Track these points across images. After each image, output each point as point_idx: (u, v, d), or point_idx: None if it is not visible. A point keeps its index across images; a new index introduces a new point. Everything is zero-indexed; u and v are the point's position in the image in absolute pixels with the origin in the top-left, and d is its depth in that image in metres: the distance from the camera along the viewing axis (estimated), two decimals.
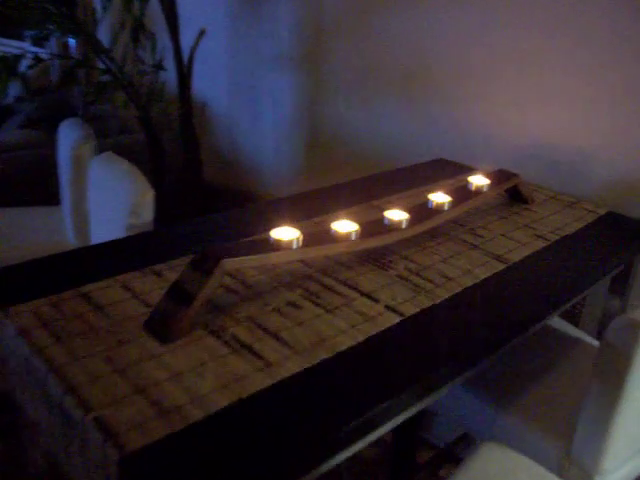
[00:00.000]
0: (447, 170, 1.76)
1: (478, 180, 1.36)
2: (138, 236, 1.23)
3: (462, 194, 1.31)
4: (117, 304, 0.93)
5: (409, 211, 1.19)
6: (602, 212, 1.48)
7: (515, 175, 1.44)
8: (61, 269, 1.06)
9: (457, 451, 1.27)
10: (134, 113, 2.08)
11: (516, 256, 1.21)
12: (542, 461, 1.10)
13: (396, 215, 1.17)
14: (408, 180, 1.64)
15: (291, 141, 2.39)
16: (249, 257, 0.91)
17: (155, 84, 2.03)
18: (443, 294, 1.04)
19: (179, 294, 0.86)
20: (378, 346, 0.89)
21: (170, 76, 2.17)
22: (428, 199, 1.26)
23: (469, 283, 1.08)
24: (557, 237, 1.31)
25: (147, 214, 1.33)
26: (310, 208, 1.40)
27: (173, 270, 1.05)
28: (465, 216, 1.36)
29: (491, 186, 1.35)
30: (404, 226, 1.15)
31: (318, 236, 1.04)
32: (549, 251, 1.24)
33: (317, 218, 1.33)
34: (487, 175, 1.40)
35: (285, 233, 0.98)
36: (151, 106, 2.01)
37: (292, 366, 0.82)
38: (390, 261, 1.14)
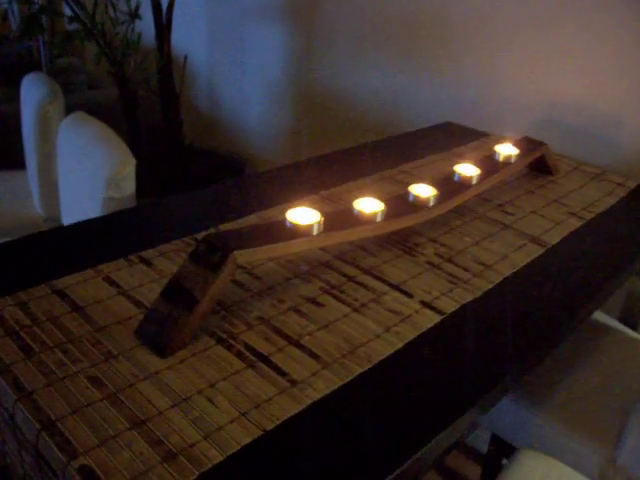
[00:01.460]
0: (457, 135, 1.60)
1: (506, 150, 1.21)
2: (120, 214, 1.05)
3: (489, 165, 1.16)
4: (101, 303, 0.76)
5: (434, 186, 1.04)
6: (632, 185, 1.34)
7: (542, 144, 1.29)
8: (29, 256, 0.88)
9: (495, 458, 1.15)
10: (106, 68, 1.86)
11: (553, 238, 1.06)
12: (583, 469, 0.98)
13: (422, 191, 1.01)
14: (417, 146, 1.48)
15: (280, 101, 2.19)
16: (265, 247, 0.74)
17: (130, 35, 1.80)
18: (482, 285, 0.90)
19: (179, 295, 0.70)
20: (420, 354, 0.74)
21: (147, 26, 1.95)
22: (454, 172, 1.10)
23: (508, 272, 0.94)
24: (591, 215, 1.17)
25: (128, 186, 1.14)
26: (314, 179, 1.23)
27: (165, 257, 0.88)
28: (489, 190, 1.21)
29: (520, 156, 1.21)
30: (432, 204, 0.99)
31: (339, 218, 0.87)
32: (586, 232, 1.10)
33: (325, 191, 1.16)
34: (513, 143, 1.25)
35: (303, 215, 0.82)
36: (126, 60, 1.79)
37: (323, 384, 0.67)
38: (416, 244, 0.99)
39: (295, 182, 1.22)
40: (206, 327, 0.73)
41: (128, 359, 0.67)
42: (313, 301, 0.81)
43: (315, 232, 0.80)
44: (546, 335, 0.82)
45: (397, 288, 0.86)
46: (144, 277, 0.83)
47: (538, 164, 1.33)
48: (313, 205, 1.06)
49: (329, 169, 1.30)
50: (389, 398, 0.67)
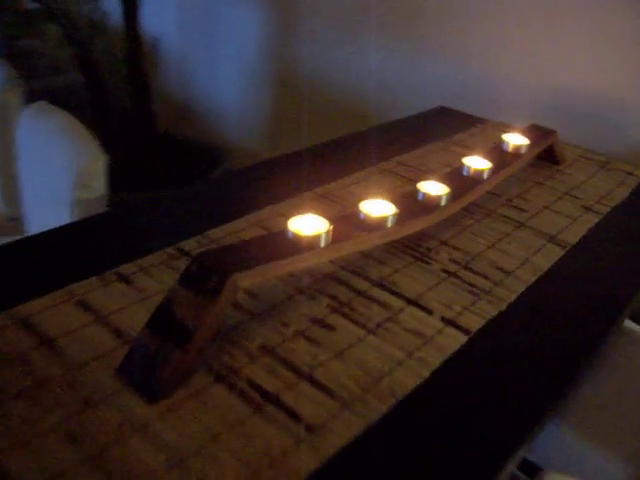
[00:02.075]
0: (452, 121, 1.50)
1: (515, 139, 1.11)
2: (91, 221, 0.93)
3: (498, 157, 1.06)
4: (74, 334, 0.64)
5: (442, 181, 0.94)
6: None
7: (552, 132, 1.20)
8: None
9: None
10: (70, 51, 1.70)
11: (571, 236, 0.98)
12: None
13: (432, 188, 0.91)
14: (412, 134, 1.38)
15: (257, 86, 2.06)
16: (267, 266, 0.63)
17: (95, 15, 1.66)
18: (506, 296, 0.80)
19: (169, 326, 0.59)
20: (449, 384, 0.65)
21: (114, 6, 1.79)
22: (463, 165, 1.00)
23: (532, 278, 0.85)
24: (607, 209, 1.09)
25: (99, 186, 1.02)
26: (304, 174, 1.12)
27: (146, 273, 0.76)
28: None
29: (530, 146, 1.11)
30: (444, 203, 0.89)
31: (346, 224, 0.77)
32: (605, 229, 1.02)
33: (319, 188, 1.05)
34: (521, 132, 1.16)
35: (306, 224, 0.71)
36: (92, 42, 1.64)
37: (344, 428, 0.57)
38: (428, 249, 0.89)
39: (284, 178, 1.10)
40: (201, 359, 0.62)
41: (111, 406, 0.56)
42: (321, 323, 0.71)
43: (323, 244, 0.70)
44: (585, 348, 0.73)
45: (414, 303, 0.76)
46: (123, 299, 0.71)
47: (545, 153, 1.24)
48: (307, 205, 0.95)
49: (320, 162, 1.19)
50: (419, 442, 0.57)
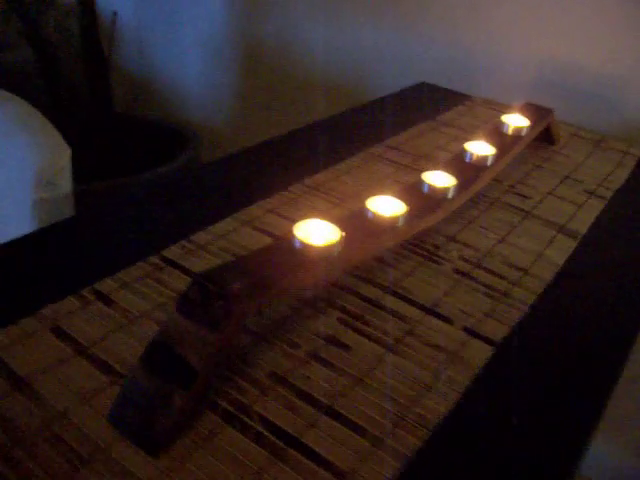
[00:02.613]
0: (436, 98, 1.43)
1: (515, 120, 1.04)
2: (58, 226, 0.82)
3: (499, 140, 0.99)
4: (53, 372, 0.55)
5: (445, 170, 0.86)
6: (637, 152, 1.22)
7: (549, 110, 1.14)
8: None
9: None
10: (17, 26, 1.55)
11: (580, 225, 0.92)
12: None
13: (438, 179, 0.83)
14: (396, 114, 1.30)
15: (222, 61, 1.94)
16: (279, 284, 0.55)
17: None
18: (526, 297, 0.74)
19: (168, 363, 0.50)
20: (481, 407, 0.58)
21: None
22: (465, 150, 0.93)
23: (548, 276, 0.79)
24: (610, 192, 1.04)
25: (64, 183, 0.91)
26: (290, 162, 1.03)
27: (129, 290, 0.67)
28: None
29: (530, 128, 1.04)
30: (451, 195, 0.82)
31: (353, 226, 0.69)
32: (612, 215, 0.97)
33: (309, 178, 0.97)
34: (517, 111, 1.09)
35: (314, 230, 0.63)
36: (43, 16, 1.49)
37: (378, 470, 0.49)
38: (436, 247, 0.82)
39: (266, 168, 1.01)
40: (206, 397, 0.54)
41: (105, 463, 0.47)
42: (334, 341, 0.63)
43: (335, 252, 0.61)
44: (618, 351, 0.68)
45: (431, 312, 0.69)
46: (106, 323, 0.62)
47: (540, 132, 1.18)
48: (300, 200, 0.87)
49: (304, 148, 1.10)
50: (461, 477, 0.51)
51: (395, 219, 0.71)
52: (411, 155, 1.09)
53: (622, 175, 1.11)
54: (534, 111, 1.10)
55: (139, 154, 1.81)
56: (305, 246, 0.60)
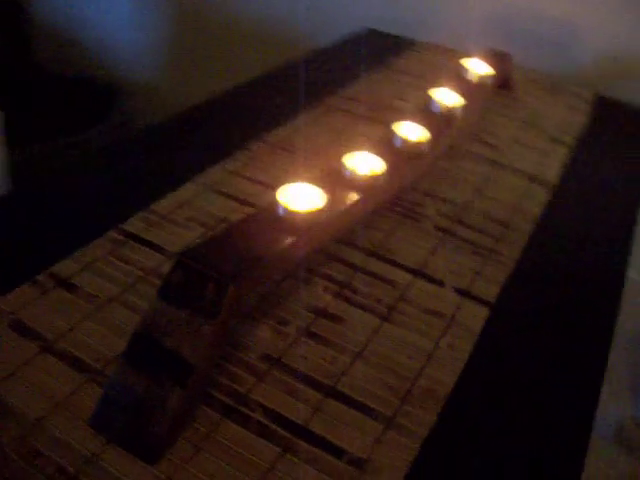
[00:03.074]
0: (384, 45, 1.37)
1: (478, 67, 1.00)
2: None
3: (464, 89, 0.95)
4: (20, 373, 0.48)
5: (415, 121, 0.82)
6: (589, 96, 1.21)
7: (507, 55, 1.11)
8: None
9: None
10: None
11: (549, 173, 0.90)
12: (599, 428, 0.89)
13: (410, 131, 0.79)
14: (345, 63, 1.24)
15: (155, 14, 1.79)
16: (271, 259, 0.50)
17: None
18: (511, 253, 0.72)
19: (157, 358, 0.44)
20: (486, 375, 0.56)
21: None
22: (430, 100, 0.88)
23: (529, 228, 0.77)
24: (572, 139, 1.02)
25: None
26: (243, 119, 0.96)
27: (92, 272, 0.60)
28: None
29: (494, 75, 1.01)
30: (426, 148, 0.78)
31: (332, 187, 0.63)
32: (579, 164, 0.95)
33: (268, 136, 0.90)
34: (476, 57, 1.05)
35: (295, 194, 0.57)
36: None
37: (395, 455, 0.46)
38: (413, 203, 0.78)
39: (221, 126, 0.94)
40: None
41: (95, 476, 0.42)
42: (325, 314, 0.58)
43: (324, 218, 0.56)
44: (611, 292, 0.67)
45: (420, 274, 0.65)
46: (71, 311, 0.55)
47: (498, 78, 1.15)
48: (266, 159, 0.81)
49: (256, 103, 1.02)
50: (481, 449, 0.48)
51: (377, 177, 0.66)
52: (369, 105, 1.04)
53: (580, 120, 1.10)
54: (493, 57, 1.07)
55: (70, 114, 1.67)
56: (292, 214, 0.54)
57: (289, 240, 0.52)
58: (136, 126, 1.68)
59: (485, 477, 0.46)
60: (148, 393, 0.43)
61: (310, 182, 0.60)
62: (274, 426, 0.47)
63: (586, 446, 0.50)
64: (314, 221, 0.55)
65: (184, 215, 0.70)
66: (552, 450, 0.49)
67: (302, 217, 0.54)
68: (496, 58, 1.07)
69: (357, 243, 0.69)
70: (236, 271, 0.45)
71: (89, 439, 0.44)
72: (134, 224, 0.67)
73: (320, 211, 0.55)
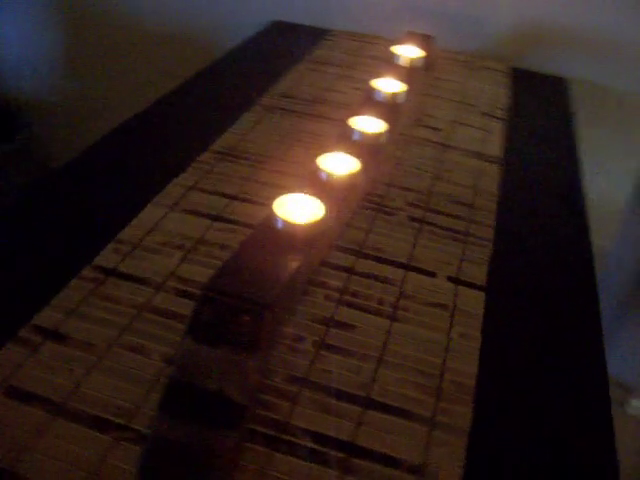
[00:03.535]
0: (297, 36, 1.35)
1: (408, 52, 1.01)
2: None
3: (400, 75, 0.96)
4: (35, 447, 0.43)
5: (363, 113, 0.82)
6: (503, 68, 1.27)
7: (430, 37, 1.13)
8: None
9: None
10: None
11: (495, 150, 0.93)
12: None
13: (366, 124, 0.78)
14: (264, 59, 1.21)
15: (49, 22, 1.66)
16: (292, 278, 0.48)
17: None
18: (484, 234, 0.73)
19: (202, 403, 0.41)
20: (506, 355, 0.57)
21: None
22: (373, 89, 0.89)
23: (493, 206, 0.79)
24: (505, 115, 1.06)
25: None
26: (183, 129, 0.92)
27: (77, 317, 0.55)
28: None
29: (424, 57, 1.03)
30: (384, 140, 0.78)
31: (316, 192, 0.62)
32: (517, 137, 0.99)
33: (214, 144, 0.86)
34: (401, 41, 1.06)
35: (292, 206, 0.55)
36: None
37: (448, 453, 0.46)
38: (379, 196, 0.78)
39: (161, 139, 0.89)
40: None
41: None
42: (335, 323, 0.57)
43: (327, 225, 0.55)
44: (585, 262, 0.70)
45: (412, 268, 0.66)
46: (72, 366, 0.50)
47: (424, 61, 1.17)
48: (220, 170, 0.78)
49: (190, 111, 0.98)
50: (524, 440, 0.49)
51: (355, 176, 0.66)
52: (305, 101, 1.02)
53: (504, 93, 1.14)
54: (418, 40, 1.08)
55: None
56: (296, 227, 0.52)
57: (301, 255, 0.50)
58: (43, 147, 1.57)
59: (535, 459, 0.47)
60: (200, 442, 0.40)
61: (300, 191, 0.58)
62: (324, 449, 0.45)
63: (609, 411, 0.52)
64: (319, 231, 0.53)
65: (156, 240, 0.66)
66: (582, 424, 0.51)
67: (307, 229, 0.53)
68: (420, 41, 1.08)
69: (341, 245, 0.68)
70: (269, 298, 0.43)
71: None
72: (107, 258, 0.62)
73: (323, 219, 0.54)
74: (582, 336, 0.60)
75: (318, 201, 0.56)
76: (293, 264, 0.49)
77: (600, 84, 1.29)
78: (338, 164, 0.67)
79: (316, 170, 0.65)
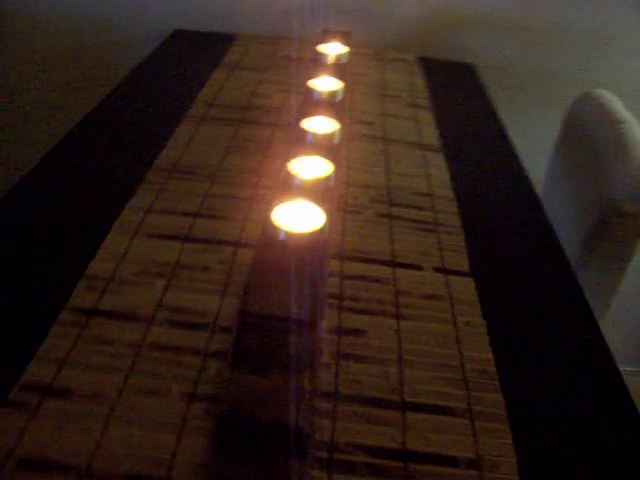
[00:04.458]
0: (202, 44, 1.31)
1: (336, 49, 1.01)
2: None
3: (332, 73, 0.95)
4: None
5: (306, 114, 0.80)
6: (412, 58, 1.30)
7: (348, 34, 1.13)
8: None
9: None
10: None
11: (431, 139, 0.96)
12: None
13: (313, 125, 0.77)
14: (175, 69, 1.16)
15: None
16: (313, 287, 0.45)
17: None
18: (452, 222, 0.75)
19: (256, 436, 0.38)
20: (510, 337, 0.58)
21: None
22: (313, 90, 0.87)
23: (451, 193, 0.81)
24: (427, 102, 1.09)
25: None
26: (117, 147, 0.86)
27: (72, 367, 0.49)
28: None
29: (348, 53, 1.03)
30: (337, 138, 0.77)
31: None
32: (445, 125, 1.01)
33: (158, 161, 0.81)
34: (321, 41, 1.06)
35: (292, 211, 0.53)
36: None
37: (496, 441, 0.46)
38: (341, 196, 0.77)
39: (99, 163, 0.83)
40: None
41: None
42: (345, 331, 0.56)
43: (328, 231, 0.53)
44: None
45: (397, 264, 0.65)
46: (85, 424, 0.44)
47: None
48: (172, 191, 0.75)
49: (120, 127, 0.92)
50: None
51: (328, 179, 0.64)
52: (235, 108, 0.99)
53: (421, 82, 1.17)
54: (336, 37, 1.08)
55: None
56: (301, 237, 0.50)
57: (315, 263, 0.48)
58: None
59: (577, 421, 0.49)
60: (267, 476, 0.37)
61: (293, 199, 0.56)
62: (379, 460, 0.44)
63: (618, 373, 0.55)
64: (324, 236, 0.51)
65: (130, 271, 0.60)
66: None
67: (313, 237, 0.50)
68: (339, 38, 1.08)
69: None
70: (311, 313, 0.41)
71: None
72: (82, 297, 0.57)
73: (325, 226, 0.52)
74: (569, 298, 0.63)
75: (317, 208, 0.54)
76: (313, 274, 0.47)
77: (504, 67, 1.36)
78: (305, 168, 0.65)
79: (288, 176, 0.63)
